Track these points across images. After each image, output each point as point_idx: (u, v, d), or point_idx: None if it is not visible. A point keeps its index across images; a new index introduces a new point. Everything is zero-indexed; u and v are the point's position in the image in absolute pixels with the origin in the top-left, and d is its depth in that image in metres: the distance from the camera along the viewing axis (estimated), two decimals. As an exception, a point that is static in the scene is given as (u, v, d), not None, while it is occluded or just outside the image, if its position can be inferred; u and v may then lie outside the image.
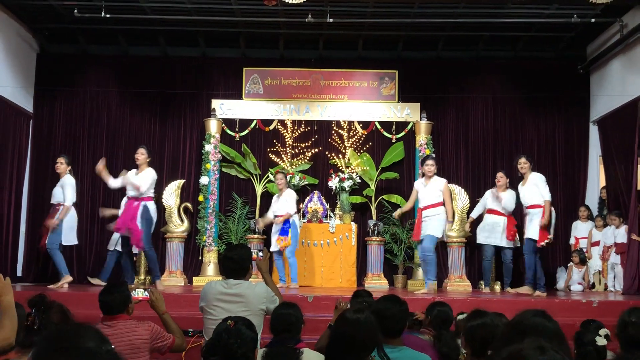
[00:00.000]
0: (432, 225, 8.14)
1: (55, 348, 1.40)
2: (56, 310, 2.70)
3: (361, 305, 4.40)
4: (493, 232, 8.75)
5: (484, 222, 8.95)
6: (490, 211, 8.87)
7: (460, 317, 4.66)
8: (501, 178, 8.88)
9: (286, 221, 8.95)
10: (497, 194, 8.76)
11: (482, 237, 8.90)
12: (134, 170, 8.30)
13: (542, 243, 8.08)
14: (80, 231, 10.24)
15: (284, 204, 9.01)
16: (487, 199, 8.98)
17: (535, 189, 8.16)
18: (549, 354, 1.59)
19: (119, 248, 8.72)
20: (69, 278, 8.23)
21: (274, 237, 9.02)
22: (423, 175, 8.52)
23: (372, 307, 3.45)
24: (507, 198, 8.77)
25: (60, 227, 8.25)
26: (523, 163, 8.35)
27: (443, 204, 8.20)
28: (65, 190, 8.27)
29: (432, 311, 4.00)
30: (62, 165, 8.40)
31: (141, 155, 8.26)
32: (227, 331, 2.54)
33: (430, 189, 8.27)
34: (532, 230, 8.14)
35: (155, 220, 8.38)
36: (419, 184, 8.51)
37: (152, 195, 8.24)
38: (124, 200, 8.63)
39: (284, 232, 8.93)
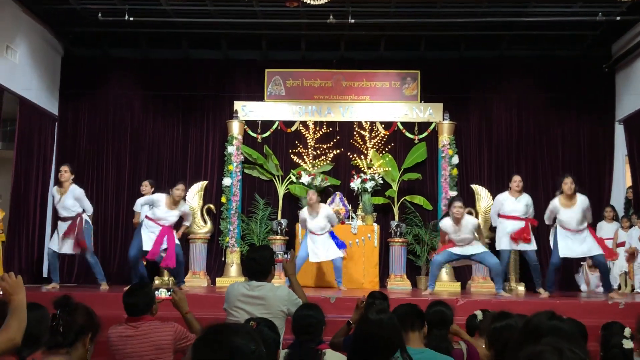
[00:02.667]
0: (476, 245, 8.07)
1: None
2: (81, 312, 2.72)
3: (371, 306, 4.43)
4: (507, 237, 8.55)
5: (504, 227, 8.61)
6: (510, 217, 8.57)
7: (479, 316, 4.64)
8: (520, 182, 8.61)
9: (334, 235, 8.84)
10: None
11: (504, 243, 8.53)
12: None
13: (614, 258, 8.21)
14: (104, 235, 10.40)
15: (325, 224, 8.72)
16: (504, 204, 8.70)
17: (583, 217, 7.83)
18: (566, 355, 1.58)
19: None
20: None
21: (316, 250, 8.68)
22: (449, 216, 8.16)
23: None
24: (529, 207, 8.60)
25: (89, 234, 8.43)
26: (570, 183, 7.82)
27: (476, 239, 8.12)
28: (83, 202, 8.33)
29: (431, 309, 3.97)
30: (66, 173, 8.29)
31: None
32: (250, 332, 2.54)
33: (462, 231, 7.95)
34: (595, 246, 7.85)
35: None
36: (447, 226, 8.00)
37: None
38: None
39: (342, 245, 8.88)
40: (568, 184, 7.79)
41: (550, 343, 1.66)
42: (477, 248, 8.03)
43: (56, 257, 8.43)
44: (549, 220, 8.10)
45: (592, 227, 9.77)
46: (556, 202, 7.91)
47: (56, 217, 9.76)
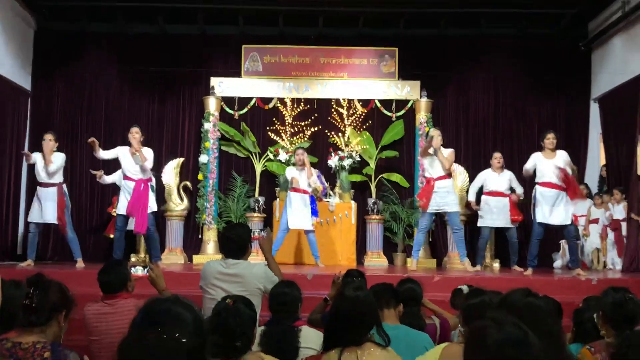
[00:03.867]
0: (453, 200, 8.21)
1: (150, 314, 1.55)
2: (55, 289, 2.69)
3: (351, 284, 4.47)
4: (500, 215, 8.70)
5: (487, 204, 8.77)
6: (493, 193, 8.76)
7: (465, 290, 4.71)
8: (500, 159, 8.81)
9: (313, 201, 8.79)
10: (515, 196, 8.75)
11: (489, 220, 8.73)
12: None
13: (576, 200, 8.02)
14: (79, 212, 10.29)
15: (314, 179, 8.75)
16: (487, 180, 8.86)
17: (566, 167, 7.79)
18: (508, 329, 1.63)
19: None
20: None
21: (296, 214, 8.64)
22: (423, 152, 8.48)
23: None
24: (516, 185, 8.77)
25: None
26: (552, 138, 7.91)
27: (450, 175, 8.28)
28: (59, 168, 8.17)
29: (402, 286, 4.03)
30: (50, 142, 8.08)
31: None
32: (226, 310, 2.54)
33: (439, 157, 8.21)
34: (568, 214, 7.77)
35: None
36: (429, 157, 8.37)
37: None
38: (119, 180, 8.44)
39: (315, 213, 8.82)
40: (550, 139, 7.91)
41: (493, 317, 1.70)
42: (452, 206, 8.19)
43: (37, 232, 8.25)
44: (528, 171, 8.03)
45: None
46: (538, 153, 8.02)
47: (33, 187, 9.64)
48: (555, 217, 7.77)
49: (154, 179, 8.37)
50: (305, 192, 8.72)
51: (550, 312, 2.27)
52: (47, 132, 8.28)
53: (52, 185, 8.10)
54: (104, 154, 8.04)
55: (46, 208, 8.07)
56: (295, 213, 8.63)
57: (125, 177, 8.03)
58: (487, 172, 8.92)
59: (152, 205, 8.16)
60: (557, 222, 7.80)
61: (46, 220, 8.17)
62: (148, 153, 8.05)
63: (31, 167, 9.97)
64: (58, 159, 8.10)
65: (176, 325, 1.50)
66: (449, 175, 8.23)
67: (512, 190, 8.90)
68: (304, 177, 8.73)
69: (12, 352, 2.46)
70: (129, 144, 8.09)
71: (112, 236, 9.08)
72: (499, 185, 8.74)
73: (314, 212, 8.82)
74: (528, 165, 8.01)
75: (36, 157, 8.16)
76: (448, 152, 8.24)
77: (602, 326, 3.01)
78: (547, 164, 7.83)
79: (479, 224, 8.94)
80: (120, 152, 8.02)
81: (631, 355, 2.53)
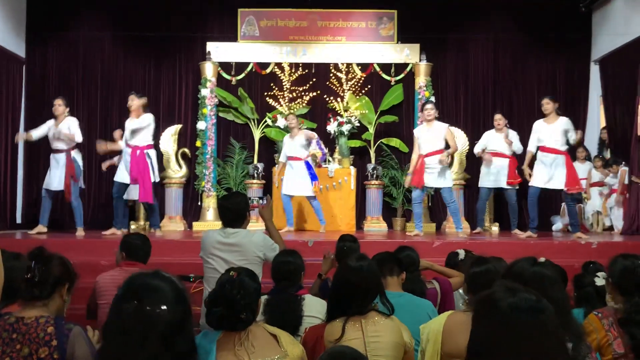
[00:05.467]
0: (445, 176, 8.03)
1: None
2: (57, 262, 2.67)
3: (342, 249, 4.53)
4: (499, 176, 8.65)
5: (486, 165, 8.80)
6: (495, 154, 8.72)
7: (461, 255, 4.78)
8: (500, 120, 8.77)
9: (310, 166, 8.71)
10: (507, 140, 8.61)
11: (488, 181, 8.72)
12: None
13: (576, 189, 7.85)
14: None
15: (299, 147, 8.65)
16: (489, 141, 8.82)
17: (563, 135, 7.76)
18: (520, 295, 1.60)
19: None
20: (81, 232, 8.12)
21: (290, 182, 8.63)
22: (422, 121, 8.38)
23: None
24: (516, 141, 8.69)
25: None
26: (546, 104, 7.86)
27: (446, 149, 8.02)
28: (77, 131, 8.01)
29: (401, 253, 4.05)
30: (60, 106, 8.00)
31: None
32: (230, 282, 2.53)
33: (432, 135, 8.01)
34: (560, 179, 7.71)
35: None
36: (419, 131, 8.26)
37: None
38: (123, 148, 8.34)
39: (315, 177, 8.77)
40: (544, 104, 7.91)
41: (504, 284, 1.68)
42: (445, 182, 8.07)
43: (47, 198, 8.15)
44: (533, 144, 7.99)
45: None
46: (539, 121, 8.02)
47: (31, 155, 9.58)
48: (553, 181, 7.76)
49: (153, 148, 8.19)
50: (297, 158, 8.66)
51: (556, 280, 2.25)
52: (57, 98, 8.19)
53: (61, 151, 8.01)
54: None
55: (54, 175, 8.02)
56: (290, 180, 8.61)
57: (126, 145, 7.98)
58: (490, 132, 8.90)
59: (154, 176, 8.07)
60: (555, 187, 7.80)
61: (52, 188, 8.04)
62: (71, 125, 7.96)
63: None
64: (66, 126, 7.95)
65: (154, 297, 1.58)
66: (441, 150, 7.99)
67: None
68: (295, 144, 8.67)
69: (15, 328, 2.45)
70: (126, 110, 8.04)
71: None
72: (499, 146, 8.70)
73: (313, 177, 8.76)
74: (531, 140, 8.05)
75: (50, 124, 8.09)
76: (445, 131, 8.05)
77: (611, 292, 3.00)
78: (547, 130, 7.82)
79: (479, 185, 8.95)
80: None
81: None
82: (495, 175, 8.67)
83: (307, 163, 8.69)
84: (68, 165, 7.96)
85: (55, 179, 7.97)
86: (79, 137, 8.01)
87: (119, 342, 1.56)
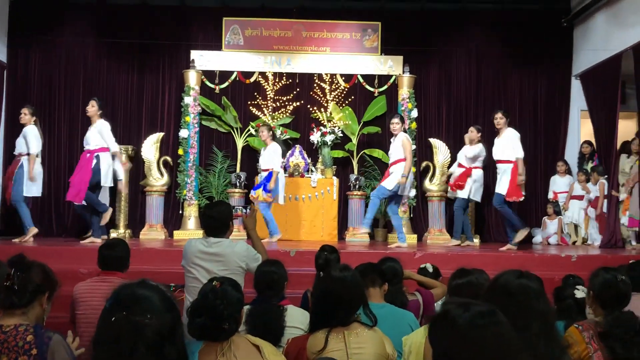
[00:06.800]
0: (389, 178, 8.22)
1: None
2: (37, 270, 2.63)
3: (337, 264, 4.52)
4: (471, 187, 8.67)
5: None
6: (461, 166, 8.85)
7: (429, 268, 4.90)
8: (471, 132, 8.80)
9: (268, 177, 8.70)
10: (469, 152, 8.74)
11: (460, 193, 8.72)
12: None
13: (514, 198, 7.94)
14: (57, 186, 10.13)
15: (268, 158, 8.76)
16: (460, 154, 8.97)
17: (509, 144, 8.00)
18: (474, 309, 1.63)
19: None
20: (34, 230, 7.99)
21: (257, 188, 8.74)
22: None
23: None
24: (475, 151, 8.70)
25: (22, 179, 8.04)
26: (499, 118, 8.14)
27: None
28: (29, 140, 8.03)
29: (383, 265, 4.08)
30: (26, 115, 8.15)
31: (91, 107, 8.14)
32: (213, 292, 2.51)
33: (394, 146, 8.35)
34: (502, 185, 7.97)
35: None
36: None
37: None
38: None
39: (265, 188, 8.73)
40: (497, 118, 8.20)
41: (455, 301, 1.72)
42: (386, 183, 8.23)
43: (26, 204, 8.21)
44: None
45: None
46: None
47: (10, 161, 9.47)
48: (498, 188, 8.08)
49: (112, 151, 8.08)
50: (265, 170, 8.79)
51: (541, 292, 2.27)
52: (25, 107, 8.31)
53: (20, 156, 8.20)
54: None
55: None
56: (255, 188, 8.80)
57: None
58: (464, 148, 8.97)
59: (103, 179, 7.99)
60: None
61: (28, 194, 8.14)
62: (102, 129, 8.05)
63: (8, 140, 9.83)
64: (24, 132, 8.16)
65: (141, 307, 1.57)
66: (401, 159, 8.18)
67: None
68: (265, 156, 8.85)
69: (-7, 335, 2.41)
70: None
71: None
72: (465, 160, 8.77)
73: (261, 186, 8.73)
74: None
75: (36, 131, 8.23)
76: (402, 139, 8.25)
77: (591, 305, 3.03)
78: (495, 144, 8.26)
79: (451, 196, 9.08)
80: None
81: (620, 334, 2.55)
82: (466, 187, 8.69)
83: (269, 174, 8.70)
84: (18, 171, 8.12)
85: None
86: (36, 148, 8.18)
87: (108, 352, 1.55)
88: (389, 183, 8.18)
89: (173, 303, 1.65)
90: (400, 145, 8.21)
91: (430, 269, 4.95)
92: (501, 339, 1.59)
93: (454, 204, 8.81)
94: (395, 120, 8.36)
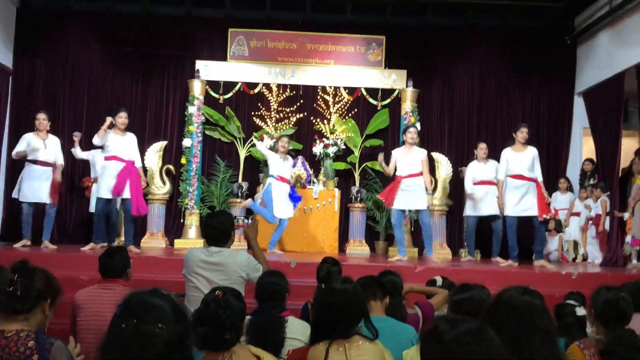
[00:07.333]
0: (421, 198, 8.07)
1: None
2: (40, 276, 2.64)
3: (324, 271, 4.53)
4: (487, 203, 8.67)
5: (477, 194, 8.79)
6: (481, 182, 8.76)
7: (439, 281, 4.86)
8: (486, 149, 8.87)
9: (293, 189, 8.94)
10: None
11: (474, 210, 8.81)
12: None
13: (544, 216, 7.95)
14: (60, 194, 10.11)
15: (290, 168, 9.01)
16: (474, 172, 8.87)
17: (534, 163, 8.01)
18: (462, 326, 1.64)
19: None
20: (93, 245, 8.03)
21: (283, 204, 8.64)
22: (403, 143, 8.44)
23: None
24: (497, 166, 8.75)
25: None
26: (526, 133, 8.10)
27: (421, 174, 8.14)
28: (59, 150, 8.27)
29: (384, 278, 4.07)
30: (45, 121, 8.20)
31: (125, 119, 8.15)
32: (216, 302, 2.52)
33: (411, 158, 8.14)
34: (534, 205, 7.90)
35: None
36: (398, 152, 8.30)
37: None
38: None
39: (298, 199, 9.01)
40: (524, 132, 8.07)
41: (445, 317, 1.73)
42: (421, 203, 8.10)
43: (31, 211, 8.23)
44: (502, 172, 8.16)
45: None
46: (508, 149, 8.17)
47: (13, 166, 9.48)
48: (522, 208, 7.97)
49: (138, 165, 8.29)
50: (289, 181, 8.83)
51: (544, 309, 2.27)
52: (41, 112, 8.37)
53: (49, 164, 8.15)
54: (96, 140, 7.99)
55: (41, 187, 8.09)
56: (281, 202, 8.62)
57: (112, 158, 7.94)
58: (472, 164, 8.96)
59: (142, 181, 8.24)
60: (525, 214, 7.99)
61: (39, 200, 8.15)
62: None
63: (11, 145, 9.83)
64: (52, 142, 8.26)
65: (152, 316, 1.56)
66: (420, 173, 8.11)
67: None
68: (288, 167, 8.83)
69: (-5, 341, 2.42)
70: (112, 125, 8.03)
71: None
72: (485, 175, 8.77)
73: (298, 199, 8.95)
74: (500, 169, 8.23)
75: (30, 137, 8.16)
76: (424, 155, 8.21)
77: (593, 323, 3.03)
78: (517, 157, 8.04)
79: (465, 214, 8.99)
80: (103, 136, 7.92)
81: (621, 352, 2.55)
82: (482, 204, 8.71)
83: (292, 186, 8.98)
84: (54, 177, 8.21)
85: (44, 190, 8.14)
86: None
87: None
88: (425, 203, 8.11)
89: (184, 313, 1.64)
90: (421, 160, 8.12)
91: (440, 282, 4.90)
92: (488, 356, 1.59)
93: (496, 221, 8.70)
94: (414, 129, 8.27)
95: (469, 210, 8.92)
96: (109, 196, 7.90)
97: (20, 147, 8.11)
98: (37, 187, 8.08)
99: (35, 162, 8.12)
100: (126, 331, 1.53)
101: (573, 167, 10.58)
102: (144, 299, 1.61)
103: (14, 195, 8.33)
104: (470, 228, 8.91)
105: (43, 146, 8.15)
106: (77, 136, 9.35)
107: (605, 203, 9.04)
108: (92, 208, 8.93)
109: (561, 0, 9.94)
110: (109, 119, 7.93)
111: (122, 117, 8.06)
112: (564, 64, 10.74)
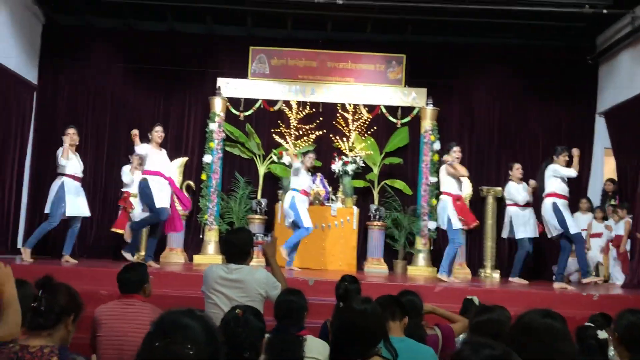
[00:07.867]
0: (456, 218, 8.38)
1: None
2: (64, 292, 2.67)
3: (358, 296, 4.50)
4: (527, 225, 8.83)
5: (521, 216, 8.88)
6: (528, 205, 8.98)
7: (476, 301, 4.80)
8: (521, 169, 9.11)
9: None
10: (531, 187, 8.93)
11: (523, 232, 8.84)
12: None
13: None
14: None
15: (312, 184, 9.31)
16: (512, 193, 8.98)
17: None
18: (485, 352, 1.63)
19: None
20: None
21: (309, 214, 8.79)
22: (439, 162, 8.66)
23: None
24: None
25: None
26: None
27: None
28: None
29: (403, 298, 4.04)
30: (76, 135, 8.24)
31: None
32: (235, 320, 2.53)
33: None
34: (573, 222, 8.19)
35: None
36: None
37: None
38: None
39: None
40: (567, 156, 8.40)
41: (469, 342, 1.72)
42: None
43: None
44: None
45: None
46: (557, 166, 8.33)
47: (37, 179, 9.58)
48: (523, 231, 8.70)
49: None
50: (309, 196, 9.06)
51: (566, 333, 2.25)
52: (71, 127, 8.31)
53: (80, 179, 8.34)
54: (138, 149, 8.03)
55: (82, 201, 8.28)
56: (307, 212, 8.78)
57: (155, 173, 7.94)
58: (510, 184, 9.01)
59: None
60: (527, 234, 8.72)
61: (83, 214, 8.30)
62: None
63: (35, 160, 9.97)
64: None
65: (184, 335, 1.54)
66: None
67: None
68: (310, 182, 9.09)
69: (19, 356, 2.44)
70: (132, 141, 8.08)
71: (120, 231, 9.11)
72: (525, 197, 8.94)
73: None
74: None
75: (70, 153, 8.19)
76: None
77: (616, 347, 3.00)
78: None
79: (518, 236, 8.89)
80: (145, 149, 7.96)
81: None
82: (523, 225, 8.86)
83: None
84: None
85: (84, 205, 8.32)
86: None
87: None
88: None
89: (216, 336, 1.62)
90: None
91: (477, 301, 4.86)
92: None
93: (523, 243, 8.82)
94: (459, 148, 8.46)
95: (519, 233, 8.86)
96: (166, 205, 7.94)
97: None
98: (80, 202, 8.22)
99: (73, 177, 8.18)
100: (158, 350, 1.53)
101: (594, 188, 10.49)
102: (175, 319, 1.60)
103: (47, 210, 8.27)
104: (524, 249, 8.81)
105: (77, 161, 8.25)
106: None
107: (629, 224, 8.94)
108: (135, 217, 8.93)
109: (583, 19, 9.91)
110: (135, 132, 7.96)
111: (159, 132, 8.10)
112: (585, 84, 10.70)
